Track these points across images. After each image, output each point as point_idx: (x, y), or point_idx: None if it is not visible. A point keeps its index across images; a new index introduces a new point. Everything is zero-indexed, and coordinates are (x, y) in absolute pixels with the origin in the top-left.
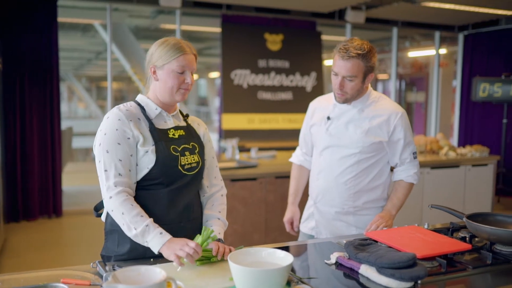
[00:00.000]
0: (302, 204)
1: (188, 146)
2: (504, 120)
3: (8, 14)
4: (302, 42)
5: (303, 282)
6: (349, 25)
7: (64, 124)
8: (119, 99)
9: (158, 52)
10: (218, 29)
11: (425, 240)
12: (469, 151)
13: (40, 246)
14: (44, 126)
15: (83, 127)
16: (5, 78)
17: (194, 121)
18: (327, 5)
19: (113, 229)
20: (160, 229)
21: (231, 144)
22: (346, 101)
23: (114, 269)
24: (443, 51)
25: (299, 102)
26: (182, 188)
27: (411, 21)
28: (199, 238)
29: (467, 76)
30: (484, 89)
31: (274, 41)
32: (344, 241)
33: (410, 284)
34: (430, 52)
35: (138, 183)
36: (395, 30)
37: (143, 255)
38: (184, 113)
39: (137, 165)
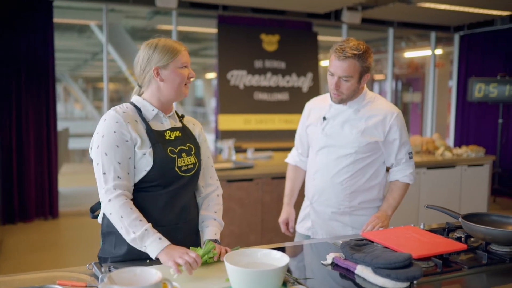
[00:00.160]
0: (298, 205)
1: (184, 147)
2: (500, 120)
3: (3, 14)
4: (298, 42)
5: (299, 283)
6: (345, 26)
7: (60, 125)
8: (115, 100)
9: (157, 53)
10: (214, 30)
11: (421, 240)
12: (465, 151)
13: (36, 248)
14: (40, 127)
15: (80, 128)
16: (0, 79)
17: (189, 121)
18: (323, 6)
19: (110, 231)
20: (159, 235)
21: (228, 144)
22: (342, 101)
23: (110, 271)
24: (439, 51)
25: (295, 102)
26: (179, 190)
27: (407, 22)
28: (200, 251)
29: (463, 76)
30: (480, 90)
31: (270, 42)
32: (340, 242)
33: (406, 284)
34: (426, 52)
35: (135, 185)
36: (391, 31)
37: (140, 257)
38: (180, 114)
39: (134, 167)
